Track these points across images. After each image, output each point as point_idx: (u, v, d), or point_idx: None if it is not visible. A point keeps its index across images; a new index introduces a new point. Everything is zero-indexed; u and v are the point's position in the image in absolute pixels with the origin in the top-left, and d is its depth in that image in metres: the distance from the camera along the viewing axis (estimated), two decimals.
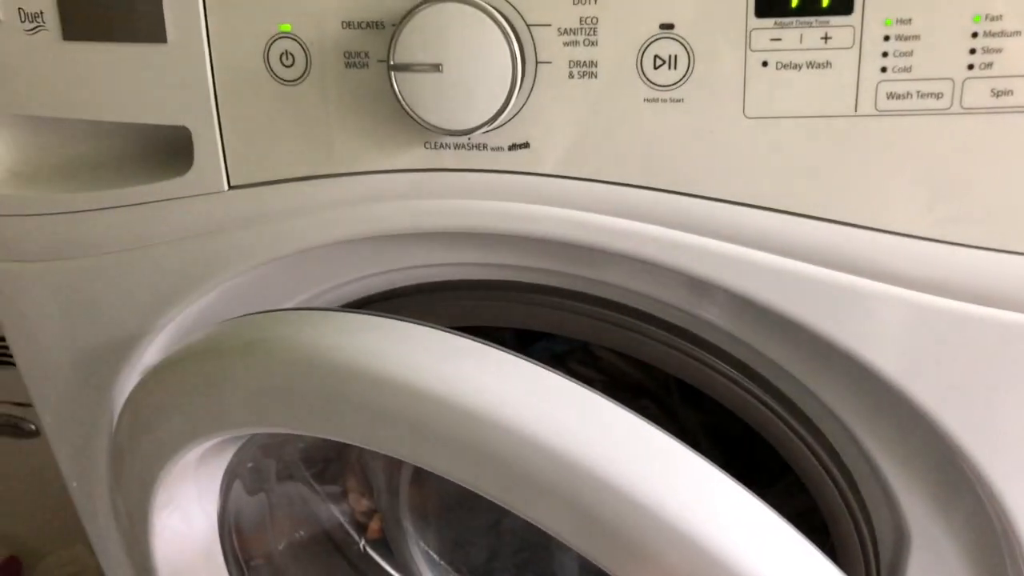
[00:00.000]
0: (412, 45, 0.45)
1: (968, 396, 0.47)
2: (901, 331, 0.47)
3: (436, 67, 0.45)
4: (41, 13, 0.51)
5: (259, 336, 0.50)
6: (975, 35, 0.42)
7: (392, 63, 0.45)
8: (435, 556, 0.79)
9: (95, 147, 0.59)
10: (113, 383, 0.60)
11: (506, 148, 0.48)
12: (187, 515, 0.63)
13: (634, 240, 0.48)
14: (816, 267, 0.46)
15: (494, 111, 0.45)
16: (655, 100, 0.45)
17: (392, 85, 0.45)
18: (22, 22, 0.52)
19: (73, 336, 0.60)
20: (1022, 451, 0.49)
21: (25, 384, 0.66)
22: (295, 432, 0.51)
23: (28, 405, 1.09)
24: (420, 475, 0.75)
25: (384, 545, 0.79)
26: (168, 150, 0.56)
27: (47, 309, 0.59)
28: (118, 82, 0.51)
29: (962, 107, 0.43)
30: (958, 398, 0.47)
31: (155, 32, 0.50)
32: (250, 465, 0.68)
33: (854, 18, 0.42)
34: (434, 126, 0.46)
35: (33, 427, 1.13)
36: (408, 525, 0.78)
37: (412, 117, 0.46)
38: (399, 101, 0.46)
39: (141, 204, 0.54)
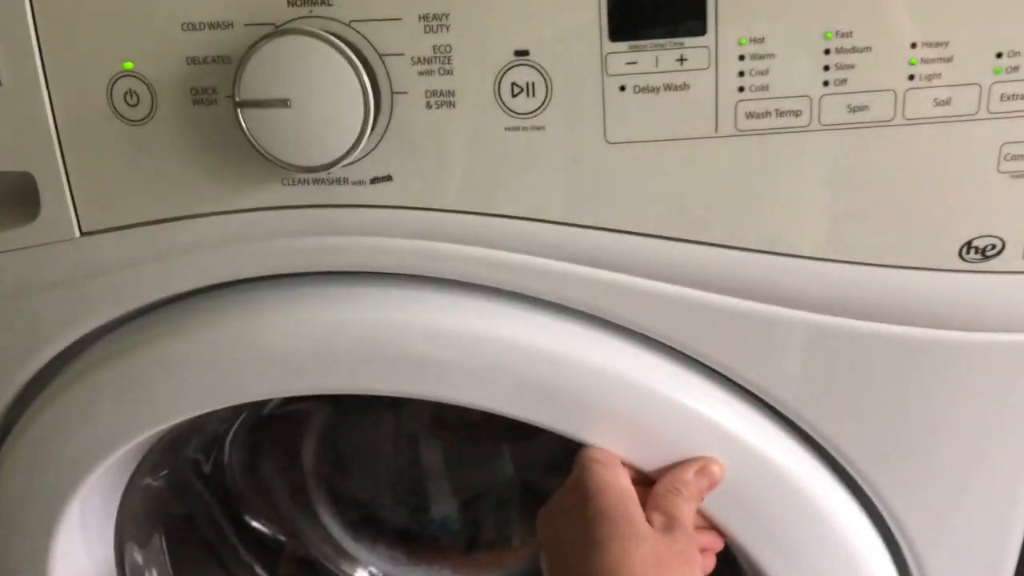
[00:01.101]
0: (258, 80, 0.43)
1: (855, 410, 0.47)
2: (772, 346, 0.47)
3: (284, 102, 0.43)
4: None
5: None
6: (828, 52, 0.41)
7: (238, 99, 0.43)
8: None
9: None
10: None
11: (368, 181, 0.46)
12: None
13: (503, 271, 0.47)
14: (691, 289, 0.46)
15: (348, 145, 0.43)
16: (516, 128, 0.44)
17: (240, 122, 0.43)
18: None
19: None
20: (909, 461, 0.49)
21: None
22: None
23: None
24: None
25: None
26: (6, 198, 0.53)
27: None
28: None
29: (820, 124, 0.43)
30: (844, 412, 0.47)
31: None
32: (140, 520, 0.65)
33: (708, 38, 0.42)
34: (287, 163, 0.44)
35: None
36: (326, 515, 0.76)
37: (263, 155, 0.44)
38: (248, 139, 0.43)
39: None
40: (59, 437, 0.54)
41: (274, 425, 0.71)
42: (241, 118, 0.43)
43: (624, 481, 0.48)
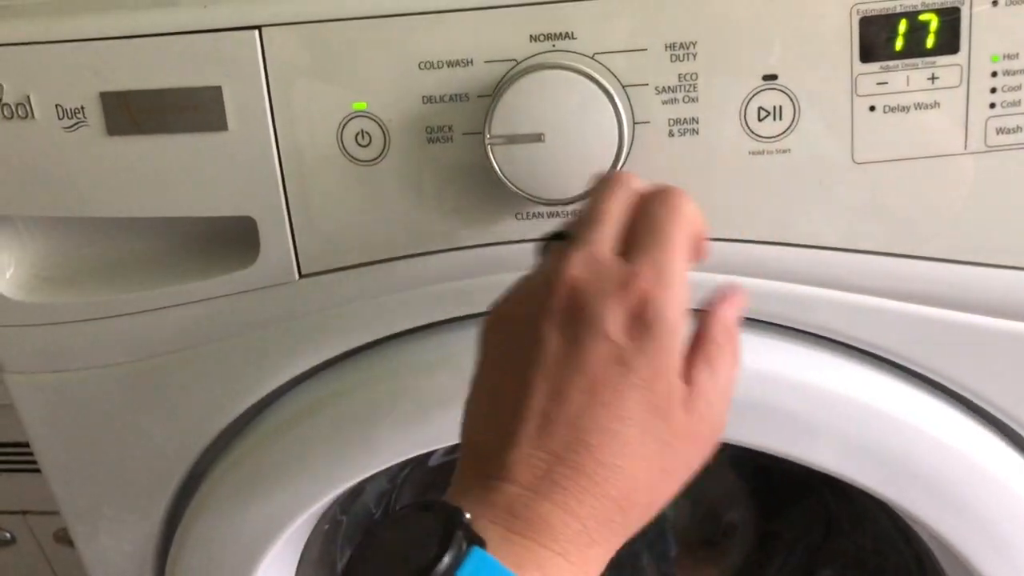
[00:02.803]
0: (511, 116, 0.43)
1: None
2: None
3: (538, 136, 0.43)
4: (82, 108, 0.48)
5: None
6: None
7: (490, 136, 0.43)
8: None
9: (114, 245, 0.55)
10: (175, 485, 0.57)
11: None
12: None
13: (748, 297, 0.47)
14: (932, 308, 0.46)
15: None
16: (761, 152, 0.44)
17: (490, 159, 0.43)
18: (60, 119, 0.48)
19: (128, 441, 0.56)
20: None
21: (57, 500, 0.61)
22: None
23: (5, 513, 1.03)
24: None
25: None
26: (209, 240, 0.53)
27: (94, 418, 0.55)
28: (172, 175, 0.48)
29: None
30: None
31: (214, 120, 0.47)
32: None
33: (960, 57, 0.42)
34: (536, 197, 0.44)
35: (8, 535, 1.07)
36: None
37: (513, 189, 0.44)
38: (499, 174, 0.44)
39: (204, 300, 0.50)
40: (268, 481, 0.54)
41: (444, 471, 0.71)
42: (491, 154, 0.43)
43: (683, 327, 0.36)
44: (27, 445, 0.96)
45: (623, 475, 0.34)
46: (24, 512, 1.02)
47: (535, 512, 0.33)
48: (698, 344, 0.37)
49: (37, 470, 0.98)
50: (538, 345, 0.35)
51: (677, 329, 0.35)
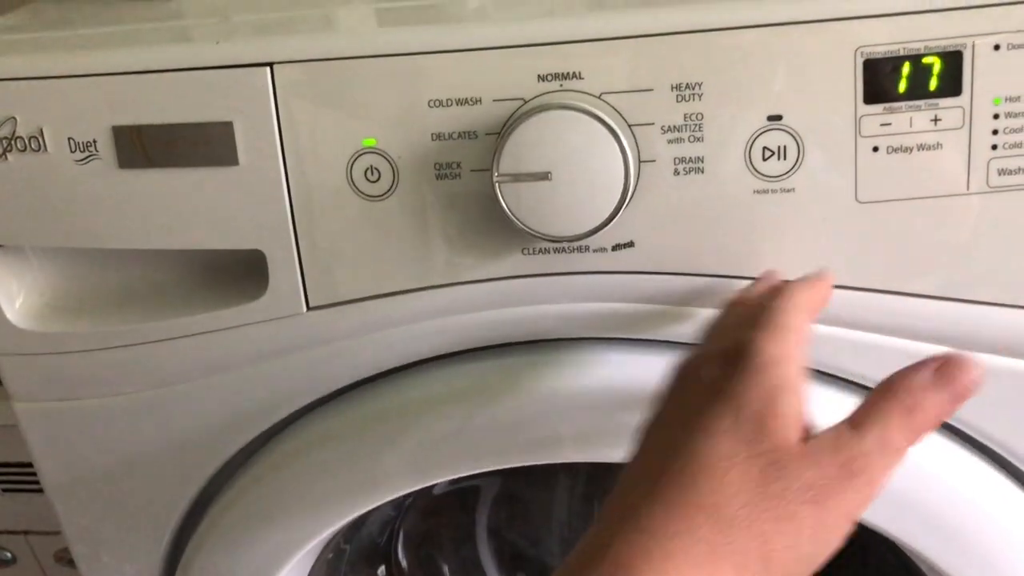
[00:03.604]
0: (518, 154, 0.43)
1: None
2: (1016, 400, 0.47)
3: (545, 175, 0.43)
4: (94, 142, 0.48)
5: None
6: None
7: (498, 174, 0.43)
8: None
9: (123, 276, 0.55)
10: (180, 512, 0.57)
11: (609, 248, 0.47)
12: None
13: None
14: (932, 345, 0.46)
15: (606, 215, 0.44)
16: (765, 191, 0.45)
17: (498, 196, 0.44)
18: (72, 152, 0.49)
19: (134, 469, 0.56)
20: None
21: (62, 526, 0.62)
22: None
23: (6, 532, 1.03)
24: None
25: None
26: (217, 272, 0.53)
27: (101, 446, 0.56)
28: (183, 208, 0.49)
29: None
30: None
31: (225, 155, 0.47)
32: None
33: (963, 99, 0.43)
34: (542, 234, 0.44)
35: (9, 555, 1.07)
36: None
37: (520, 227, 0.44)
38: (506, 211, 0.44)
39: (213, 332, 0.51)
40: (274, 510, 0.54)
41: (449, 499, 0.71)
42: (499, 191, 0.44)
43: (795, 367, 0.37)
44: (29, 465, 0.96)
45: (712, 481, 0.34)
46: (26, 532, 1.02)
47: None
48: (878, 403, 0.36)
49: (39, 490, 0.98)
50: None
51: (778, 362, 0.36)
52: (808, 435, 0.35)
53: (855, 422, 0.35)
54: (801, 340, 0.37)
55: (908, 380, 0.36)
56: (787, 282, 0.40)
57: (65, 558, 1.03)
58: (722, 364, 0.36)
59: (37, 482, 0.97)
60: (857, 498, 0.34)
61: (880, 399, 0.36)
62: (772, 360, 0.36)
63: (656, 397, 0.39)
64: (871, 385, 0.46)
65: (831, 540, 0.35)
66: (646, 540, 0.33)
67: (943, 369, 0.36)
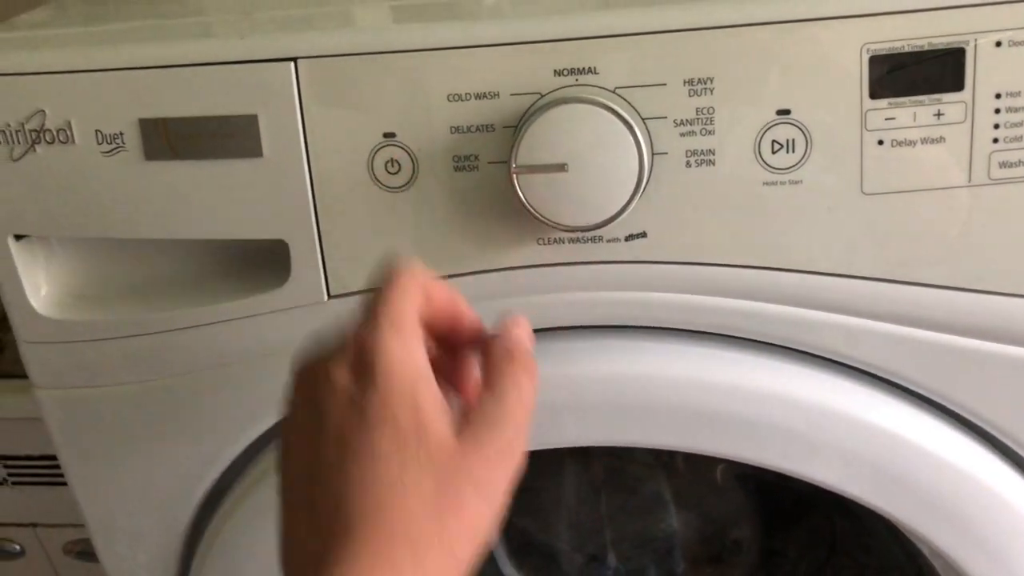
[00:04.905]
0: (535, 147, 0.45)
1: None
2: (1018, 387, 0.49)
3: (561, 167, 0.45)
4: (121, 134, 0.50)
5: None
6: None
7: (516, 165, 0.45)
8: None
9: (146, 265, 0.56)
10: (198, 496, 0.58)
11: (623, 239, 0.48)
12: None
13: (756, 320, 0.49)
14: (933, 332, 0.48)
15: (620, 206, 0.45)
16: (773, 183, 0.46)
17: (515, 187, 0.45)
18: (99, 144, 0.50)
19: (155, 456, 0.57)
20: None
21: (83, 514, 0.63)
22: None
23: (15, 525, 1.04)
24: None
25: None
26: (240, 261, 0.55)
27: (122, 433, 0.57)
28: (208, 199, 0.50)
29: None
30: None
31: (249, 147, 0.49)
32: None
33: (965, 94, 0.44)
34: (558, 224, 0.46)
35: (18, 548, 1.08)
36: None
37: (536, 217, 0.46)
38: (523, 202, 0.45)
39: (235, 319, 0.52)
40: None
41: None
42: (516, 183, 0.45)
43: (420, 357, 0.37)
44: (38, 458, 0.97)
45: (394, 511, 0.34)
46: (34, 525, 1.03)
47: None
48: (484, 372, 0.39)
49: (47, 483, 0.99)
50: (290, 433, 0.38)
51: (405, 360, 0.36)
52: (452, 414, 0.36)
53: (491, 383, 0.38)
54: (416, 326, 0.37)
55: (517, 339, 0.40)
56: (395, 271, 0.39)
57: (73, 551, 1.04)
58: (351, 366, 0.36)
59: (46, 475, 0.98)
60: (515, 458, 0.37)
61: (504, 363, 0.38)
62: (398, 359, 0.36)
63: (286, 399, 0.39)
64: (876, 373, 0.48)
65: (499, 497, 0.36)
66: None
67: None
